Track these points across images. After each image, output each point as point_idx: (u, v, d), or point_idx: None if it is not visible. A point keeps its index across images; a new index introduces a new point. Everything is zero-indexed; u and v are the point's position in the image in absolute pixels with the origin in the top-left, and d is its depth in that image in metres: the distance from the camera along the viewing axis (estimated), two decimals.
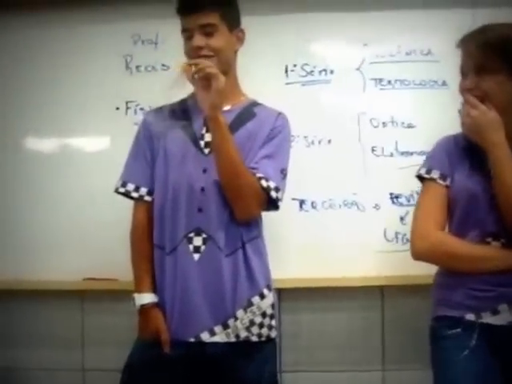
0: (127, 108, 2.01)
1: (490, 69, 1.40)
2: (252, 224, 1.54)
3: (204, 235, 1.48)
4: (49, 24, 2.05)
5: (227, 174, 1.46)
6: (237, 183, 1.46)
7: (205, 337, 1.46)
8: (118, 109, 2.00)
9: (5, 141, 2.08)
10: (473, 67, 1.43)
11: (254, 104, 1.62)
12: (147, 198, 1.57)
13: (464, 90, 1.47)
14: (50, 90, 2.04)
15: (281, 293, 2.00)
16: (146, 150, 1.58)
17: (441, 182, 1.51)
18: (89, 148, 2.07)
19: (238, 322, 1.47)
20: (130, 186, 1.57)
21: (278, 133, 1.55)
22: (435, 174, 1.52)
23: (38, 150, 2.10)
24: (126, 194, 1.58)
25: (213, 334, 1.46)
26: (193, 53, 1.50)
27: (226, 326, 1.47)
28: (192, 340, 1.46)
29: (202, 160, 1.52)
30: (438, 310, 1.56)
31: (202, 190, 1.49)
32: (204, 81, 1.43)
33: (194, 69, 1.44)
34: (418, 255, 1.50)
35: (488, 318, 1.42)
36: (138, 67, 2.02)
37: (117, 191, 1.59)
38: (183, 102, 1.63)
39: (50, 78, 2.04)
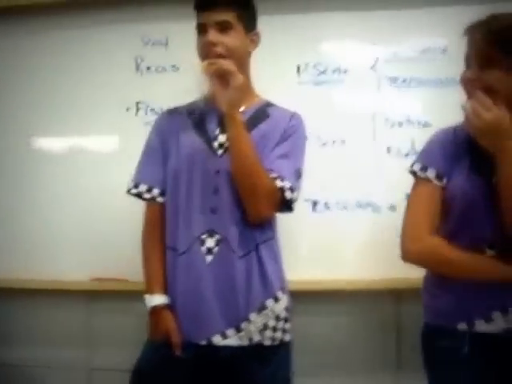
0: (137, 109, 2.01)
1: (495, 60, 1.31)
2: (266, 225, 1.52)
3: (217, 236, 1.47)
4: (59, 26, 2.05)
5: (242, 171, 1.44)
6: (251, 181, 1.44)
7: (217, 340, 1.44)
8: (128, 109, 1.99)
9: (17, 141, 2.09)
10: (476, 58, 1.34)
11: (268, 105, 1.61)
12: (159, 199, 1.56)
13: (466, 82, 1.37)
14: (60, 91, 2.05)
15: (293, 295, 1.99)
16: (159, 151, 1.58)
17: (436, 182, 1.42)
18: (99, 148, 2.06)
19: (251, 325, 1.45)
20: (143, 187, 1.57)
21: (292, 133, 1.54)
22: (431, 174, 1.43)
23: (49, 150, 2.10)
24: (139, 195, 1.57)
25: (225, 337, 1.44)
26: (205, 48, 1.49)
27: (238, 329, 1.45)
28: (204, 343, 1.44)
29: (216, 161, 1.51)
30: (426, 316, 1.52)
31: (215, 191, 1.48)
32: (222, 79, 1.42)
33: (212, 67, 1.42)
34: (408, 258, 1.45)
35: (482, 326, 1.35)
36: (148, 68, 2.01)
37: (129, 192, 1.58)
38: (196, 103, 1.63)
39: (61, 80, 2.05)
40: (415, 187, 1.48)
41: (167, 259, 1.53)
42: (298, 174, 1.52)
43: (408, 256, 1.44)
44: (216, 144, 1.52)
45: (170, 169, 1.55)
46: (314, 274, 1.90)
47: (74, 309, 2.06)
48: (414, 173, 1.48)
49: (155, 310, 1.49)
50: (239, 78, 1.41)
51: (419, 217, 1.43)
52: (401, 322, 1.98)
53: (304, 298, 1.95)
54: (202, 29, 1.51)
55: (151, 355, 1.50)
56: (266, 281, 1.49)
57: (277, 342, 1.49)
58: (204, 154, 1.52)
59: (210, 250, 1.47)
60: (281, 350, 1.51)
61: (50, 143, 2.10)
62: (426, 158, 1.47)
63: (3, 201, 2.08)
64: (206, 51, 1.48)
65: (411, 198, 1.49)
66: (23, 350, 2.09)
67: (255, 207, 1.46)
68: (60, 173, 2.05)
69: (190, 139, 1.54)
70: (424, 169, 1.44)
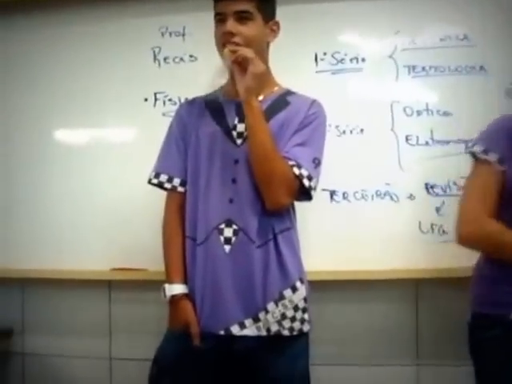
0: (156, 99, 2.01)
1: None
2: (284, 215, 1.51)
3: (235, 226, 1.46)
4: (78, 18, 2.07)
5: (259, 159, 1.44)
6: (268, 169, 1.43)
7: (235, 330, 1.44)
8: (146, 100, 2.00)
9: (38, 134, 2.11)
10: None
11: (288, 93, 1.60)
12: (180, 189, 1.57)
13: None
14: (79, 83, 2.07)
15: (312, 284, 1.98)
16: (179, 141, 1.58)
17: (498, 166, 1.40)
18: (118, 139, 2.08)
19: (269, 316, 1.45)
20: (163, 177, 1.57)
21: (311, 121, 1.52)
22: (493, 157, 1.41)
23: (69, 141, 2.13)
24: (159, 185, 1.58)
25: (243, 327, 1.44)
26: (223, 38, 1.48)
27: (256, 320, 1.45)
28: (222, 333, 1.44)
29: (234, 151, 1.50)
30: (477, 307, 1.50)
31: (234, 181, 1.48)
32: (241, 66, 1.42)
33: (232, 54, 1.42)
34: (463, 241, 1.43)
35: None
36: (165, 59, 2.02)
37: (150, 182, 1.59)
38: (215, 93, 1.63)
39: (80, 72, 2.07)
40: (474, 170, 1.46)
41: (187, 249, 1.53)
42: (316, 162, 1.50)
43: (463, 239, 1.43)
44: (235, 133, 1.52)
45: (190, 158, 1.55)
46: (332, 264, 1.90)
47: (96, 299, 2.09)
48: (473, 154, 1.46)
49: (174, 300, 1.49)
50: (258, 65, 1.41)
51: (476, 200, 1.41)
52: (420, 312, 1.96)
53: (323, 287, 1.94)
54: (220, 18, 1.49)
55: (171, 345, 1.51)
56: (284, 271, 1.47)
57: (295, 333, 1.47)
58: (223, 143, 1.51)
59: (228, 240, 1.46)
60: (299, 341, 1.50)
61: (70, 135, 2.13)
62: (488, 141, 1.45)
63: (27, 193, 2.10)
64: (224, 41, 1.47)
65: (469, 181, 1.47)
66: (46, 339, 2.13)
67: (272, 195, 1.45)
68: (80, 164, 2.07)
69: (209, 129, 1.54)
70: (485, 152, 1.42)
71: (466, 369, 1.88)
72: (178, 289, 1.49)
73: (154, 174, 1.59)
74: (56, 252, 2.05)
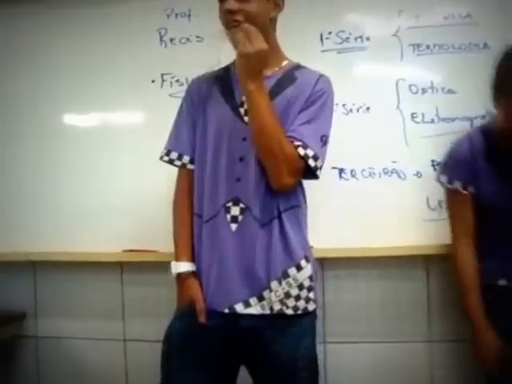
0: (163, 80, 2.02)
1: None
2: (290, 193, 1.48)
3: (242, 205, 1.45)
4: (83, 1, 2.07)
5: (261, 140, 1.41)
6: (271, 149, 1.40)
7: (239, 308, 1.42)
8: (153, 81, 2.01)
9: (49, 118, 2.12)
10: None
11: (297, 67, 1.56)
12: (190, 166, 1.56)
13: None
14: (86, 67, 2.07)
15: (323, 262, 2.00)
16: (189, 118, 1.58)
17: (464, 192, 1.65)
18: (126, 120, 2.09)
19: (272, 294, 1.42)
20: (174, 155, 1.58)
21: (317, 98, 1.48)
22: (457, 185, 1.66)
23: (77, 124, 2.14)
24: (170, 162, 1.59)
25: (248, 305, 1.43)
26: (225, 16, 1.45)
27: (260, 298, 1.43)
28: (226, 311, 1.43)
29: (242, 128, 1.47)
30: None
31: (241, 159, 1.46)
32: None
33: (234, 36, 1.40)
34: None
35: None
36: (172, 40, 2.02)
37: (161, 159, 1.60)
38: (226, 69, 1.61)
39: (87, 55, 2.07)
40: (447, 197, 1.75)
41: (194, 226, 1.52)
42: (323, 141, 1.47)
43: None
44: (242, 110, 1.50)
45: (198, 136, 1.55)
46: (341, 242, 1.91)
47: (108, 281, 2.11)
48: (442, 183, 1.71)
49: (181, 278, 1.50)
50: (245, 46, 1.36)
51: (455, 226, 1.72)
52: (431, 288, 1.99)
53: (331, 264, 1.98)
54: None
55: (179, 322, 1.51)
56: (289, 249, 1.45)
57: (300, 312, 1.45)
58: (231, 120, 1.50)
59: (234, 219, 1.45)
60: (304, 320, 1.47)
61: (80, 118, 2.13)
62: (449, 170, 1.69)
63: (38, 177, 2.11)
64: (226, 19, 1.44)
65: (448, 208, 1.77)
66: (59, 322, 2.16)
67: (276, 175, 1.43)
68: (89, 147, 2.08)
69: (218, 106, 1.53)
70: (450, 181, 1.68)
71: None
72: (184, 266, 1.49)
73: (165, 151, 1.60)
74: (67, 235, 2.06)
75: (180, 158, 1.57)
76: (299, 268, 1.45)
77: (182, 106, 1.62)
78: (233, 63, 1.56)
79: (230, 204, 1.45)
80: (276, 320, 1.44)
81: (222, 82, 1.57)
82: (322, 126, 1.48)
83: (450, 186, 1.68)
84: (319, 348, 1.95)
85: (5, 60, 2.15)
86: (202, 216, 1.50)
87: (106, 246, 2.00)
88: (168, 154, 1.59)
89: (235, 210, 1.45)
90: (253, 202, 1.45)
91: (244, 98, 1.47)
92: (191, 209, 1.54)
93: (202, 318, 1.44)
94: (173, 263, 1.51)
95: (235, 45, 1.40)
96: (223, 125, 1.49)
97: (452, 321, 1.96)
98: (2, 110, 2.16)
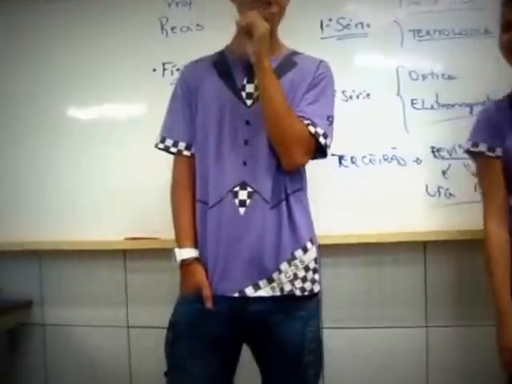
0: (164, 69, 2.03)
1: None
2: (296, 176, 1.49)
3: (249, 189, 1.44)
4: None
5: (274, 120, 1.41)
6: (284, 129, 1.42)
7: (249, 291, 1.42)
8: (154, 70, 2.01)
9: (51, 108, 2.13)
10: None
11: (294, 53, 1.58)
12: (186, 153, 1.54)
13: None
14: (87, 56, 2.08)
15: (321, 248, 2.01)
16: (184, 104, 1.55)
17: (491, 154, 1.53)
18: (127, 110, 2.10)
19: (283, 276, 1.43)
20: (169, 142, 1.56)
21: (320, 80, 1.50)
22: (483, 147, 1.55)
23: (79, 114, 2.15)
24: (165, 150, 1.58)
25: (257, 288, 1.43)
26: (255, 3, 1.42)
27: (270, 280, 1.43)
28: (236, 295, 1.43)
29: (245, 112, 1.47)
30: None
31: (246, 142, 1.46)
32: (248, 31, 1.40)
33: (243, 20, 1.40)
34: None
35: None
36: (173, 29, 2.03)
37: (156, 147, 1.59)
38: (221, 53, 1.60)
39: (87, 44, 2.08)
40: (476, 166, 1.64)
41: (198, 213, 1.51)
42: (330, 120, 1.49)
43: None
44: (244, 94, 1.50)
45: (199, 121, 1.53)
46: (341, 228, 1.93)
47: (112, 268, 2.13)
48: (468, 152, 1.61)
49: (185, 264, 1.49)
50: (260, 29, 1.37)
51: (485, 201, 1.57)
52: (428, 274, 2.00)
53: (331, 250, 1.99)
54: None
55: (184, 310, 1.50)
56: (296, 231, 1.46)
57: (306, 293, 1.46)
58: (233, 104, 1.49)
59: (242, 203, 1.44)
60: (310, 301, 1.49)
61: (81, 107, 2.14)
62: (475, 134, 1.59)
63: (41, 167, 2.13)
64: (250, 6, 1.42)
65: (477, 179, 1.64)
66: (65, 310, 2.19)
67: (289, 155, 1.44)
68: (91, 136, 2.09)
69: (218, 90, 1.51)
70: (475, 145, 1.57)
71: (475, 330, 1.95)
72: (188, 253, 1.48)
73: (159, 138, 1.58)
74: (71, 224, 2.08)
75: (175, 144, 1.55)
76: (305, 250, 1.46)
77: (176, 91, 1.59)
78: (228, 48, 1.57)
79: (237, 188, 1.45)
80: (284, 302, 1.45)
81: (220, 66, 1.55)
82: (327, 107, 1.51)
83: (474, 149, 1.56)
84: None
85: (5, 50, 2.16)
86: (206, 202, 1.48)
87: (108, 234, 2.03)
88: (163, 141, 1.57)
89: (243, 195, 1.44)
90: (262, 184, 1.45)
91: (245, 82, 1.49)
92: (191, 195, 1.53)
93: (209, 304, 1.43)
94: (177, 250, 1.49)
95: (249, 26, 1.38)
96: (225, 109, 1.48)
97: (449, 307, 1.99)
98: (5, 102, 2.17)
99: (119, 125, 2.07)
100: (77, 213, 2.09)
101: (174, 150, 1.56)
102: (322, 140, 1.45)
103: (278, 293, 1.43)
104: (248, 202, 1.44)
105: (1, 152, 2.17)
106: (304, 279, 1.46)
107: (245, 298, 1.43)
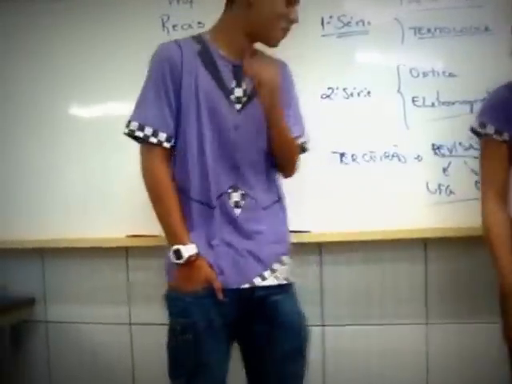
0: None
1: None
2: (278, 184, 1.61)
3: (241, 191, 1.49)
4: None
5: (289, 153, 1.56)
6: (292, 153, 1.57)
7: (257, 282, 1.49)
8: None
9: (54, 108, 2.12)
10: None
11: (260, 54, 1.58)
12: (166, 145, 1.46)
13: None
14: (88, 54, 2.08)
15: (322, 246, 2.04)
16: (170, 90, 1.45)
17: (497, 137, 1.48)
18: (128, 108, 2.03)
19: (284, 267, 1.54)
20: (148, 130, 1.44)
21: (288, 85, 1.57)
22: (490, 130, 1.49)
23: (80, 113, 2.15)
24: (143, 139, 1.45)
25: (264, 278, 1.50)
26: (286, 22, 1.49)
27: (273, 271, 1.51)
28: (246, 286, 1.47)
29: (234, 116, 1.48)
30: None
31: (236, 147, 1.48)
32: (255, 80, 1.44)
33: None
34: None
35: None
36: (174, 26, 2.02)
37: (130, 134, 1.47)
38: (202, 42, 1.51)
39: (88, 42, 2.07)
40: (480, 147, 1.56)
41: (197, 213, 1.50)
42: (303, 122, 1.62)
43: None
44: (233, 98, 1.49)
45: (191, 118, 1.47)
46: (342, 226, 1.93)
47: (114, 266, 2.14)
48: (473, 131, 1.56)
49: (192, 260, 1.46)
50: (274, 82, 1.42)
51: (487, 184, 1.51)
52: (429, 271, 2.01)
53: (332, 248, 2.02)
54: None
55: (198, 309, 1.46)
56: (285, 229, 1.59)
57: (291, 281, 1.59)
58: (223, 107, 1.48)
59: (237, 204, 1.48)
60: (293, 288, 1.60)
61: (82, 106, 2.14)
62: (484, 114, 1.53)
63: (43, 165, 2.13)
64: (284, 34, 1.50)
65: (480, 161, 1.56)
66: (67, 307, 2.20)
67: (292, 169, 1.61)
68: (93, 135, 2.09)
69: (208, 86, 1.47)
70: (483, 125, 1.51)
71: (474, 327, 1.97)
72: (192, 249, 1.46)
73: (136, 124, 1.45)
74: (73, 222, 2.09)
75: (155, 134, 1.45)
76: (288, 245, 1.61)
77: (159, 73, 1.47)
78: (211, 39, 1.51)
79: (230, 190, 1.48)
80: (282, 286, 1.54)
81: (207, 61, 1.48)
82: (299, 110, 1.62)
83: (481, 131, 1.51)
84: (317, 330, 2.04)
85: (7, 50, 2.15)
86: (207, 203, 1.48)
87: (110, 231, 2.03)
88: (141, 128, 1.45)
89: (236, 196, 1.49)
90: (252, 188, 1.51)
91: (234, 85, 1.48)
92: (175, 191, 1.50)
93: (221, 295, 1.45)
94: (181, 247, 1.45)
95: (256, 77, 1.41)
96: (218, 112, 1.47)
97: (449, 304, 2.00)
98: (8, 102, 2.16)
99: (121, 123, 1.99)
100: (79, 211, 2.09)
101: (154, 140, 1.45)
102: (307, 147, 1.65)
103: (283, 281, 1.54)
104: (242, 203, 1.50)
105: (3, 151, 2.17)
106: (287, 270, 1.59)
107: (252, 288, 1.49)
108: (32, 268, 2.21)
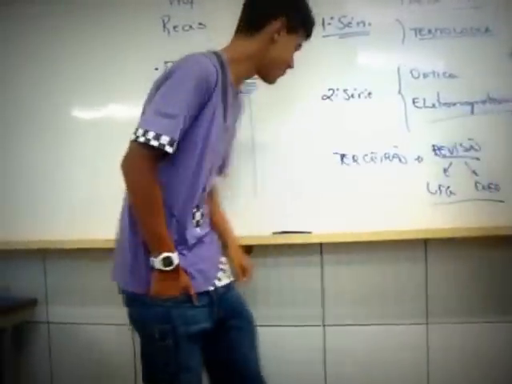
0: (166, 68, 1.99)
1: None
2: None
3: (202, 210, 1.57)
4: None
5: None
6: None
7: (217, 283, 1.57)
8: (156, 69, 1.97)
9: (57, 110, 2.12)
10: None
11: None
12: (168, 149, 1.37)
13: None
14: (88, 56, 2.07)
15: (323, 246, 2.05)
16: (193, 106, 1.40)
17: None
18: (130, 109, 2.04)
19: (228, 266, 1.69)
20: (165, 139, 1.37)
21: None
22: None
23: (82, 114, 2.14)
24: (157, 148, 1.37)
25: (220, 280, 1.59)
26: (287, 67, 1.61)
27: (224, 271, 1.64)
28: (211, 288, 1.53)
29: (223, 143, 1.58)
30: None
31: (212, 170, 1.57)
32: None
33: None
34: None
35: None
36: (175, 27, 2.02)
37: (146, 142, 1.37)
38: (222, 63, 1.48)
39: (89, 43, 2.07)
40: None
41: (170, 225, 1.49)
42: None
43: None
44: (225, 125, 1.54)
45: (205, 137, 1.45)
46: (343, 226, 1.94)
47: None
48: None
49: (176, 267, 1.44)
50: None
51: None
52: (429, 271, 2.02)
53: (333, 248, 2.03)
54: (298, 45, 1.62)
55: (177, 313, 1.47)
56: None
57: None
58: (222, 135, 1.53)
59: (198, 222, 1.55)
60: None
61: (84, 107, 2.13)
62: None
63: (46, 166, 2.12)
64: (284, 71, 1.61)
65: None
66: (69, 308, 2.21)
67: None
68: (95, 137, 2.09)
69: (220, 113, 1.48)
70: None
71: (475, 327, 1.97)
72: (177, 257, 1.45)
73: (168, 139, 1.37)
74: (75, 222, 2.08)
75: (157, 137, 1.36)
76: None
77: (191, 82, 1.39)
78: (226, 58, 1.50)
79: (195, 210, 1.53)
80: (231, 283, 1.68)
81: (224, 88, 1.47)
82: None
83: None
84: (318, 331, 2.06)
85: (10, 54, 2.15)
86: (177, 218, 1.50)
87: (112, 233, 1.98)
88: (157, 138, 1.37)
89: (198, 216, 1.56)
90: (206, 208, 1.62)
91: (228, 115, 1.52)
92: None
93: (196, 301, 1.48)
94: (172, 255, 1.42)
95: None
96: (220, 133, 1.49)
97: (450, 304, 2.01)
98: (11, 105, 2.16)
99: (122, 124, 1.99)
100: (81, 212, 2.09)
101: (169, 149, 1.38)
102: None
103: (231, 278, 1.68)
104: (201, 221, 1.58)
105: (6, 153, 2.17)
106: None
107: (215, 289, 1.56)
108: (34, 269, 2.22)
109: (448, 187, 1.93)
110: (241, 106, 1.71)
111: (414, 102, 1.95)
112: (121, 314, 2.17)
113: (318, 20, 1.93)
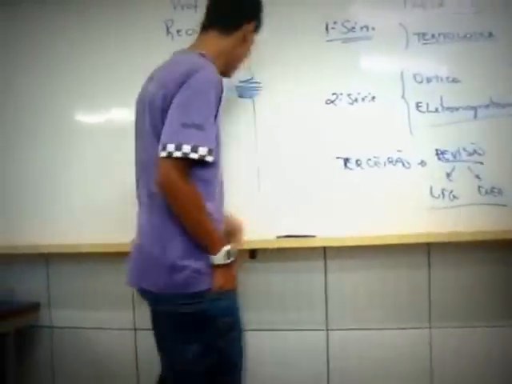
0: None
1: None
2: None
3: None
4: None
5: None
6: None
7: None
8: None
9: (59, 114, 2.13)
10: None
11: None
12: (209, 158, 1.43)
13: None
14: (90, 59, 2.08)
15: (326, 250, 2.05)
16: (215, 112, 1.47)
17: None
18: (133, 112, 2.04)
19: None
20: (203, 151, 1.42)
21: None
22: None
23: (84, 118, 2.14)
24: (184, 156, 1.41)
25: None
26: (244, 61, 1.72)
27: None
28: None
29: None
30: None
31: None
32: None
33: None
34: None
35: None
36: (178, 31, 2.03)
37: (201, 159, 1.42)
38: (219, 80, 1.50)
39: (91, 48, 2.08)
40: None
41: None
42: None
43: None
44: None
45: (217, 141, 1.51)
46: (346, 230, 1.94)
47: (118, 271, 2.02)
48: None
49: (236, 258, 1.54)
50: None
51: None
52: (432, 276, 2.02)
53: (336, 253, 2.03)
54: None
55: (236, 302, 1.57)
56: None
57: None
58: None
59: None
60: None
61: (88, 113, 2.14)
62: None
63: (49, 170, 2.13)
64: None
65: None
66: (72, 312, 2.21)
67: None
68: (98, 141, 2.09)
69: (219, 116, 1.52)
70: None
71: (478, 331, 1.97)
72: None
73: (189, 147, 1.40)
74: (78, 227, 2.08)
75: (195, 149, 1.41)
76: None
77: (211, 90, 1.45)
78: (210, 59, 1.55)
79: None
80: None
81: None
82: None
83: None
84: (322, 335, 2.07)
85: (13, 53, 2.16)
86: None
87: (115, 237, 1.99)
88: (210, 152, 1.45)
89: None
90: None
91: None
92: None
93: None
94: (229, 247, 1.49)
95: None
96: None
97: (453, 308, 2.01)
98: (16, 105, 2.17)
99: (127, 128, 1.99)
100: (84, 216, 2.09)
101: (194, 156, 1.41)
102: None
103: None
104: None
105: (8, 156, 2.18)
106: None
107: None
108: (37, 273, 2.22)
109: (451, 191, 1.94)
110: None
111: (417, 107, 1.95)
112: (124, 318, 2.20)
113: (321, 24, 1.99)
